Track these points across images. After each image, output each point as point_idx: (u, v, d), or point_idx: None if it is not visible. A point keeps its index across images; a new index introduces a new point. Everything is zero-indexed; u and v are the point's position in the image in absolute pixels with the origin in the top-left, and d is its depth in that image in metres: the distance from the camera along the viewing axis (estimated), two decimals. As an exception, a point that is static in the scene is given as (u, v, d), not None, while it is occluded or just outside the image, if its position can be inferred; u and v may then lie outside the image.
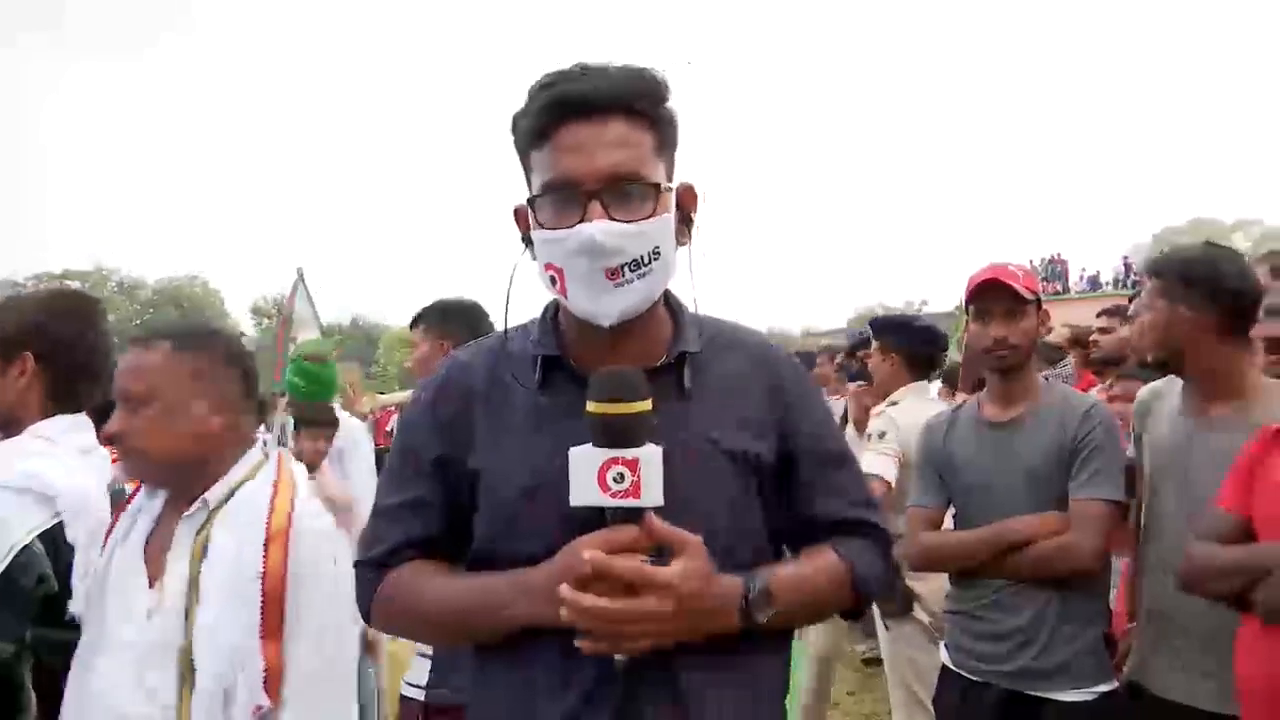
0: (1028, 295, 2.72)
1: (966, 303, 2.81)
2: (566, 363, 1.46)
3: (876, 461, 3.75)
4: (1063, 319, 6.61)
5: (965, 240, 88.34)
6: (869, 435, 3.94)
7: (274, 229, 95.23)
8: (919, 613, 3.69)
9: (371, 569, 1.52)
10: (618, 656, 1.31)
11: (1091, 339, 5.27)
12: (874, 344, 4.30)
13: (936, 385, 4.46)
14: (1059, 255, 38.49)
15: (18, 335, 2.04)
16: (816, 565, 1.48)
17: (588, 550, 1.27)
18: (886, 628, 3.87)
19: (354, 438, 4.94)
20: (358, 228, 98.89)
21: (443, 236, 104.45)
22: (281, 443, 5.54)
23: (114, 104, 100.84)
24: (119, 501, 2.08)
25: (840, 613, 1.56)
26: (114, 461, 2.68)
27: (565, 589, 1.27)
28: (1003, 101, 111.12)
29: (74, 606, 1.81)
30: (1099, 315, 5.26)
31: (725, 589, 1.35)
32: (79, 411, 2.10)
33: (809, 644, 4.74)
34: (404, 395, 4.15)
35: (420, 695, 3.06)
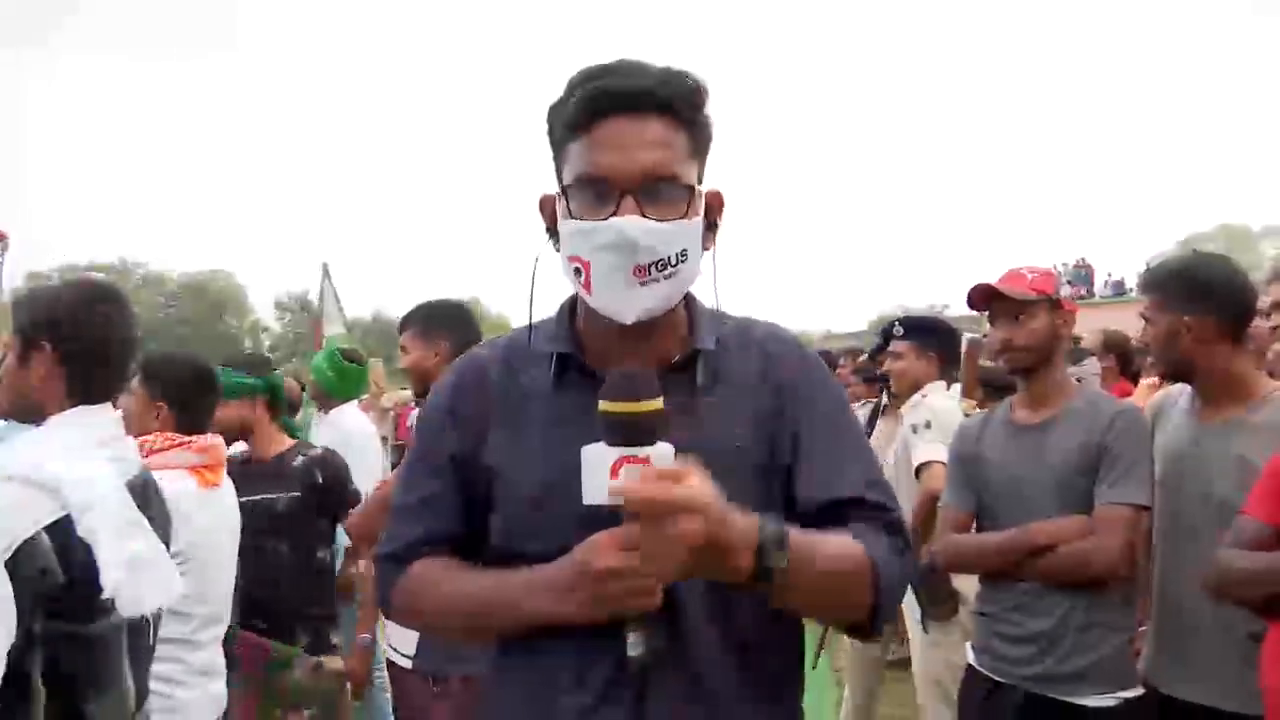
0: (1029, 295, 2.72)
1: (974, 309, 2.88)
2: (582, 360, 1.46)
3: (931, 449, 3.80)
4: (1088, 324, 6.56)
5: (989, 244, 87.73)
6: (913, 426, 3.98)
7: (298, 223, 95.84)
8: (962, 613, 3.67)
9: (391, 563, 1.53)
10: (633, 652, 1.29)
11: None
12: (905, 343, 4.33)
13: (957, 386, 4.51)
14: (1084, 260, 38.16)
15: (37, 325, 2.03)
16: (836, 541, 1.37)
17: (617, 489, 1.23)
18: (925, 630, 3.85)
19: (359, 443, 4.96)
20: (380, 222, 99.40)
21: (463, 232, 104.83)
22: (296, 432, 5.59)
23: (142, 100, 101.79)
24: (142, 489, 2.10)
25: (856, 615, 1.42)
26: (147, 455, 2.73)
27: (620, 482, 1.23)
28: (1029, 105, 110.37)
29: (108, 594, 1.82)
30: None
31: (742, 522, 1.26)
32: (101, 402, 2.09)
33: (852, 646, 4.66)
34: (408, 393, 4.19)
35: (408, 664, 3.10)
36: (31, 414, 2.06)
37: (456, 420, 1.50)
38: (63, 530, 1.82)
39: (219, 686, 2.92)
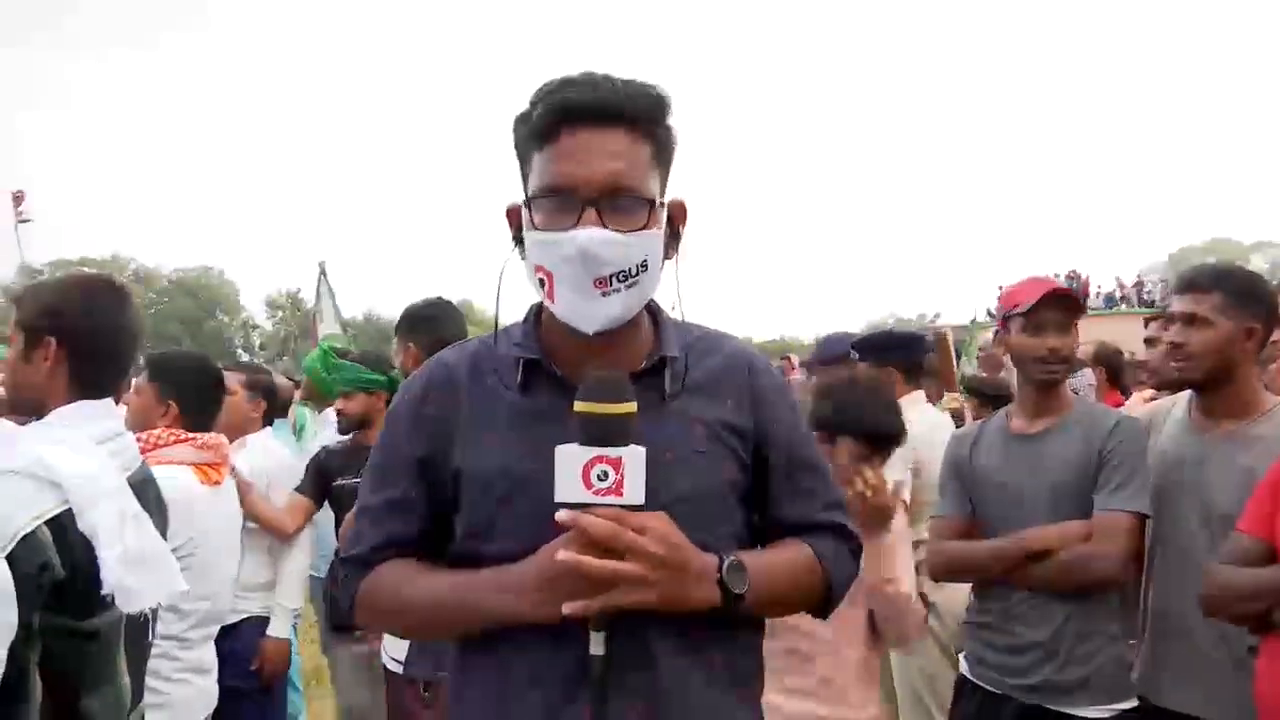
0: (1083, 308, 2.74)
1: (1017, 314, 2.78)
2: (548, 366, 1.48)
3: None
4: (1081, 336, 6.54)
5: (979, 254, 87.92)
6: None
7: (289, 222, 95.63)
8: (933, 623, 3.68)
9: (354, 566, 1.55)
10: (595, 651, 1.33)
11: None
12: (862, 365, 4.24)
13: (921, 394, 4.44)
14: (1076, 272, 38.25)
15: (41, 320, 2.03)
16: (788, 554, 1.53)
17: (563, 512, 1.31)
18: None
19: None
20: (372, 222, 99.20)
21: (457, 232, 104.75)
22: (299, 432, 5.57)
23: (135, 95, 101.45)
24: (140, 485, 2.09)
25: (809, 610, 1.60)
26: (145, 451, 2.72)
27: (563, 553, 1.30)
28: (1020, 117, 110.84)
29: (108, 589, 1.82)
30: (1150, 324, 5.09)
31: (702, 559, 1.38)
32: (103, 397, 2.09)
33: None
34: None
35: (400, 669, 3.11)
36: (33, 407, 2.06)
37: (422, 422, 1.52)
38: (63, 525, 1.82)
39: (210, 683, 2.92)
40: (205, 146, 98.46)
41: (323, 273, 6.50)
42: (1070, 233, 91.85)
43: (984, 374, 6.74)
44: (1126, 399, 5.12)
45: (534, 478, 1.34)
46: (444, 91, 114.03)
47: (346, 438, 4.09)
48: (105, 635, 1.91)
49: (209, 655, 2.94)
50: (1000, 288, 3.74)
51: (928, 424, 3.98)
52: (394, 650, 3.18)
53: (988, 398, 5.43)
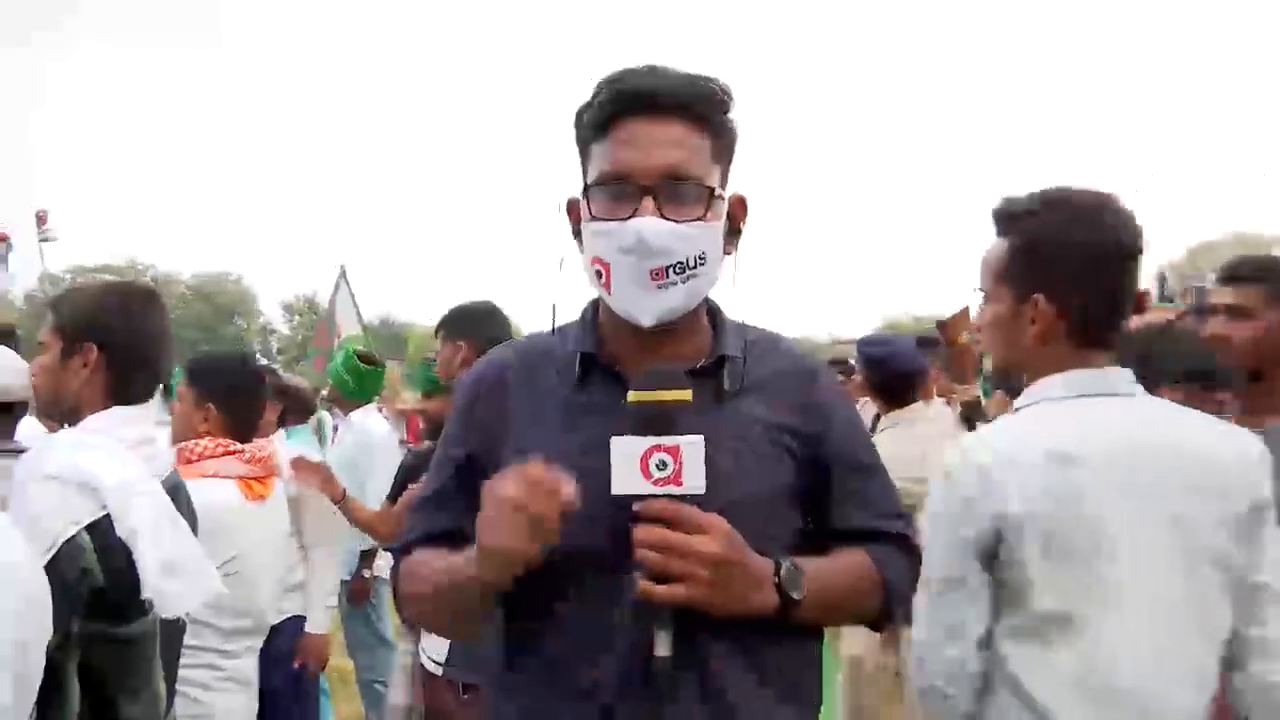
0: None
1: None
2: (604, 361, 1.47)
3: None
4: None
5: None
6: None
7: (304, 226, 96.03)
8: None
9: (396, 556, 1.57)
10: (660, 652, 1.30)
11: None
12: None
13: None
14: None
15: (81, 326, 2.06)
16: (846, 562, 1.49)
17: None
18: None
19: (379, 444, 5.02)
20: (386, 226, 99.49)
21: (471, 236, 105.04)
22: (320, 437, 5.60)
23: (151, 98, 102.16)
24: (172, 491, 2.11)
25: (867, 621, 1.58)
26: (191, 462, 2.73)
27: (639, 528, 1.29)
28: (1037, 113, 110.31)
29: (146, 595, 1.84)
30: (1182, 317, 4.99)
31: (759, 562, 1.36)
32: (136, 403, 2.11)
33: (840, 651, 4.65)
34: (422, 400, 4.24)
35: (439, 670, 3.11)
36: (68, 413, 2.08)
37: (473, 421, 1.52)
38: (102, 531, 1.84)
39: (251, 695, 2.92)
40: (218, 151, 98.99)
41: (343, 276, 6.53)
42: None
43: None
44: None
45: (587, 471, 1.30)
46: (460, 93, 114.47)
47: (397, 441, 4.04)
48: (143, 640, 1.93)
49: (251, 666, 2.93)
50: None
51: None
52: (432, 650, 3.16)
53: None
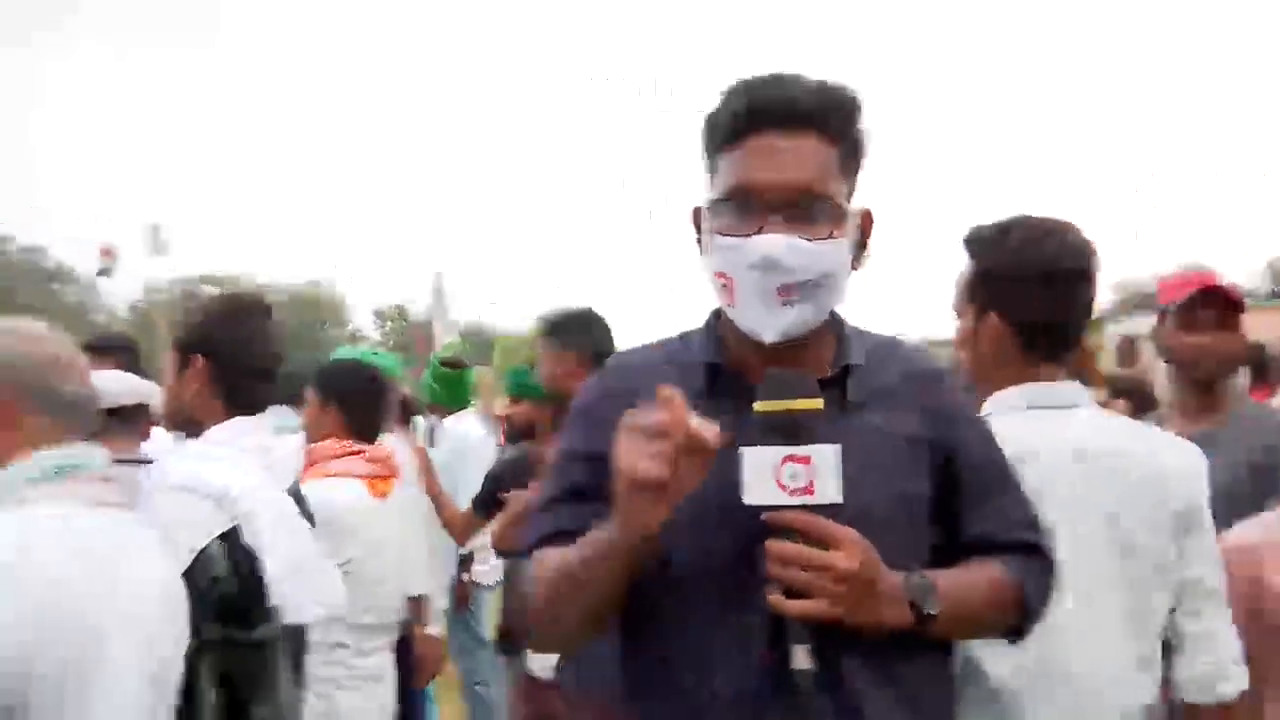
0: (1242, 303, 2.62)
1: (1169, 309, 2.64)
2: (730, 372, 1.44)
3: None
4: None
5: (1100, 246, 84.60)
6: None
7: (392, 233, 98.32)
8: None
9: (520, 560, 1.58)
10: (799, 665, 1.27)
11: None
12: None
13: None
14: (1198, 264, 36.51)
15: (191, 340, 2.14)
16: (980, 574, 1.44)
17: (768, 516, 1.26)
18: None
19: (474, 448, 5.06)
20: (475, 233, 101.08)
21: (552, 242, 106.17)
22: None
23: (246, 109, 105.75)
24: (300, 502, 2.16)
25: (1002, 634, 1.53)
26: (317, 464, 2.81)
27: (771, 541, 1.26)
28: (1140, 100, 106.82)
29: (274, 601, 1.90)
30: None
31: (892, 577, 1.32)
32: (255, 413, 2.16)
33: None
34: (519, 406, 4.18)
35: (548, 677, 3.11)
36: (189, 425, 2.14)
37: (601, 424, 1.42)
38: (233, 540, 1.89)
39: (384, 691, 2.98)
40: (303, 160, 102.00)
41: (439, 284, 6.65)
42: (1188, 221, 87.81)
43: (1121, 370, 6.44)
44: (1273, 396, 4.88)
45: (714, 484, 1.27)
46: (557, 99, 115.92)
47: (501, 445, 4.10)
48: (271, 645, 1.98)
49: (382, 663, 2.99)
50: (1157, 278, 3.42)
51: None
52: (539, 655, 3.18)
53: (1143, 397, 5.11)
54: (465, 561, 4.96)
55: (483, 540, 4.46)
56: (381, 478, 3.01)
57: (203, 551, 1.83)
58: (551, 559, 1.43)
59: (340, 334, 67.72)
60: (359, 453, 2.98)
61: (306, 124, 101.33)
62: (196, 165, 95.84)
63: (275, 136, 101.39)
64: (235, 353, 2.13)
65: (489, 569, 4.90)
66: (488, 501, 3.91)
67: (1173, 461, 1.84)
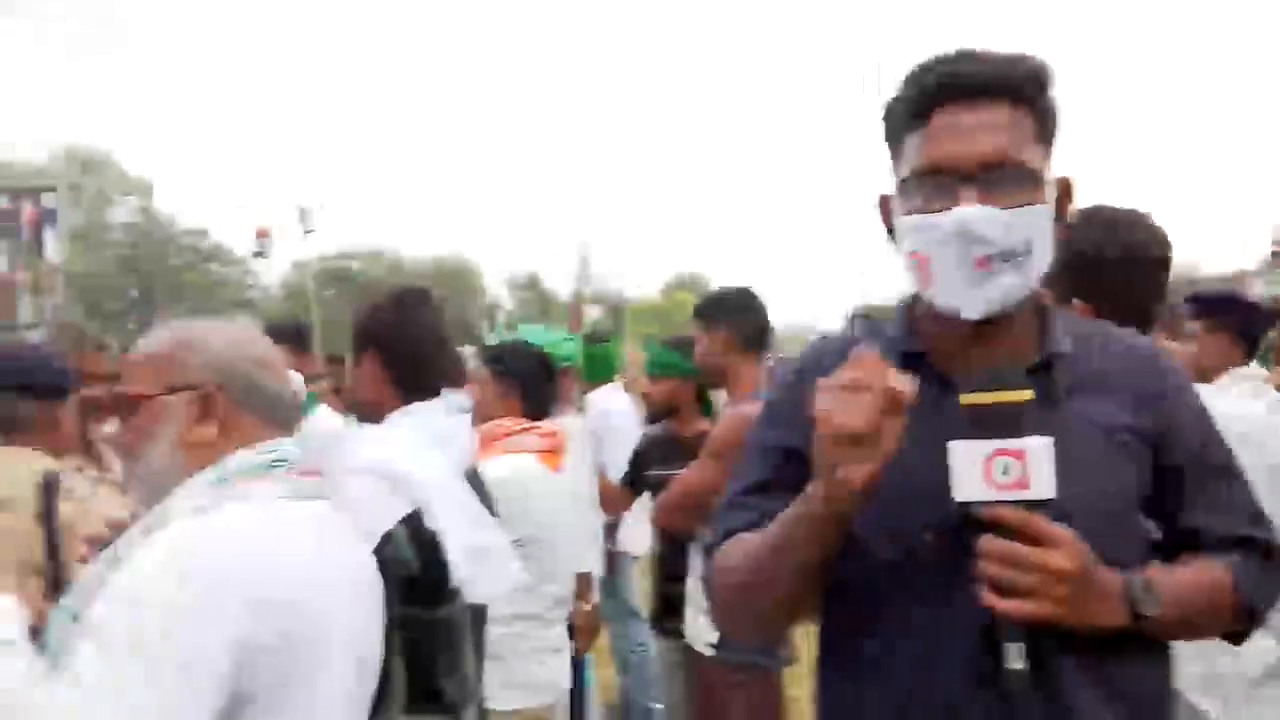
0: None
1: None
2: (928, 361, 1.40)
3: None
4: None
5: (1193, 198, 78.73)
6: None
7: (524, 203, 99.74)
8: None
9: (708, 555, 1.53)
10: (1013, 665, 1.23)
11: None
12: (1196, 323, 3.88)
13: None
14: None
15: (362, 334, 2.29)
16: (1199, 572, 1.37)
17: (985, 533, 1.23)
18: None
19: (617, 422, 5.11)
20: (622, 203, 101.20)
21: (681, 210, 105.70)
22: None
23: (385, 90, 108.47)
24: (477, 483, 2.26)
25: (1224, 634, 1.46)
26: (495, 440, 2.93)
27: (985, 539, 1.22)
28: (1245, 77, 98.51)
29: (456, 581, 2.00)
30: None
31: (1107, 576, 1.27)
32: (430, 397, 2.26)
33: None
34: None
35: (710, 652, 3.15)
36: (372, 413, 2.27)
37: (796, 415, 1.39)
38: (415, 522, 1.99)
39: (563, 662, 3.09)
40: (444, 135, 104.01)
41: (585, 256, 6.73)
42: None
43: None
44: None
45: (917, 478, 1.26)
46: (687, 74, 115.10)
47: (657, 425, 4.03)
48: (455, 623, 2.08)
49: (563, 634, 3.09)
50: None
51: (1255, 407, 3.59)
52: (704, 633, 3.22)
53: None
54: (609, 530, 5.06)
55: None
56: (553, 451, 3.10)
57: (389, 533, 1.92)
58: (746, 542, 1.41)
59: (478, 304, 69.34)
60: (531, 429, 3.08)
61: (436, 97, 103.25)
62: (339, 147, 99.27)
63: (402, 110, 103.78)
64: (405, 343, 2.24)
65: (635, 538, 5.00)
66: (634, 479, 4.00)
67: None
